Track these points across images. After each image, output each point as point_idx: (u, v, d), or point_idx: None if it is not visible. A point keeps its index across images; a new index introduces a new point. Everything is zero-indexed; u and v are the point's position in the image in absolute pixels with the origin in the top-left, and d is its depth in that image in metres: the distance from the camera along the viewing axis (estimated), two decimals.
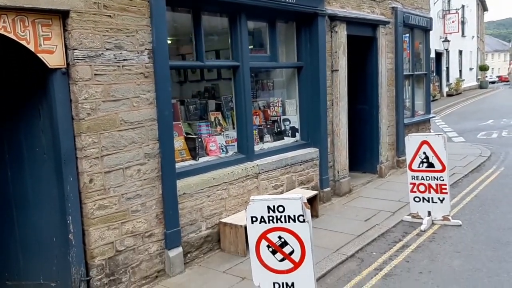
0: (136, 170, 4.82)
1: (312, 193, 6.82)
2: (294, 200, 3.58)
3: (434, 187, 6.41)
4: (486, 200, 7.43)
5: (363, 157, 9.05)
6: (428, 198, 6.47)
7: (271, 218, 3.63)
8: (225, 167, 6.02)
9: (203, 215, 5.62)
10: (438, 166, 6.35)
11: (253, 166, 6.29)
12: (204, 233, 5.64)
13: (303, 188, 7.12)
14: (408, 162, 6.56)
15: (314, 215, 6.71)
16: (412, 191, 6.58)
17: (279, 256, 3.69)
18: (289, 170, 6.89)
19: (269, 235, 3.67)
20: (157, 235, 5.07)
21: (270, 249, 3.69)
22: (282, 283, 3.73)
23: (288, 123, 7.51)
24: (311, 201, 6.67)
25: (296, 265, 3.68)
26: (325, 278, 4.95)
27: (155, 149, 4.99)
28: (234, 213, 5.99)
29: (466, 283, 4.65)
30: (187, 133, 6.10)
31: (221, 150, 6.28)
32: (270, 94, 7.59)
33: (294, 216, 3.60)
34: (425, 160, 6.42)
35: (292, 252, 3.67)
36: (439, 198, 6.41)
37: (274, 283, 3.75)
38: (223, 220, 5.78)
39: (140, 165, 4.86)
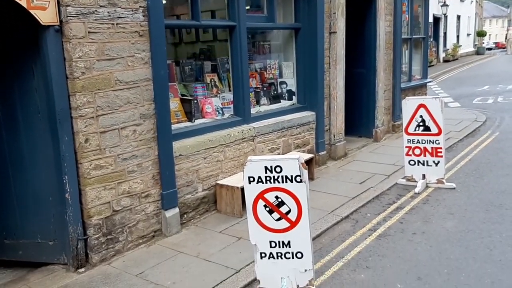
0: (132, 130, 4.78)
1: (308, 156, 6.84)
2: (292, 160, 3.58)
3: (430, 150, 6.43)
4: (480, 164, 7.48)
5: (359, 121, 9.05)
6: (423, 161, 6.51)
7: (268, 178, 3.64)
8: (222, 130, 6.00)
9: (199, 177, 5.63)
10: (434, 130, 6.35)
11: (249, 129, 6.26)
12: (200, 195, 5.67)
13: (299, 151, 7.13)
14: (404, 125, 6.56)
15: (310, 178, 6.75)
16: (407, 154, 6.61)
17: (276, 215, 3.72)
18: (286, 133, 6.88)
19: (266, 195, 3.68)
20: (154, 195, 5.09)
21: (267, 209, 3.71)
22: (279, 242, 3.78)
23: (285, 86, 7.45)
24: (307, 164, 6.67)
25: (293, 224, 3.72)
26: (320, 238, 5.02)
27: (150, 109, 4.94)
28: (230, 175, 6.01)
29: (459, 243, 4.73)
30: (182, 95, 6.04)
31: (217, 113, 6.24)
32: (266, 57, 7.49)
33: (292, 176, 3.61)
34: (421, 124, 6.42)
35: (289, 211, 3.70)
36: (434, 162, 6.45)
37: (270, 242, 3.79)
38: (219, 182, 5.80)
39: (136, 126, 4.82)
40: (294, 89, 7.47)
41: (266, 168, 3.62)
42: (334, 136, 7.88)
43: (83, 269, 4.53)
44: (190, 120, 5.87)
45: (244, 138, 6.19)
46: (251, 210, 3.73)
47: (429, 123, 6.35)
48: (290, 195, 3.66)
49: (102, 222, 4.61)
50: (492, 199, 5.89)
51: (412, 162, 6.60)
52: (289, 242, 3.77)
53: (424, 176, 6.52)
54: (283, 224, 3.73)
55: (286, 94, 7.46)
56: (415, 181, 6.57)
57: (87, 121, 4.37)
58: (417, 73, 11.19)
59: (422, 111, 6.37)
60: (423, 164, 6.52)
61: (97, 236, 4.57)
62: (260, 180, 3.65)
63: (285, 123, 6.85)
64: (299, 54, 7.34)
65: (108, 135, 4.56)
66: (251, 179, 3.66)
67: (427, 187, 6.48)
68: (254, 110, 6.66)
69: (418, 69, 11.24)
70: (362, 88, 8.99)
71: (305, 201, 3.66)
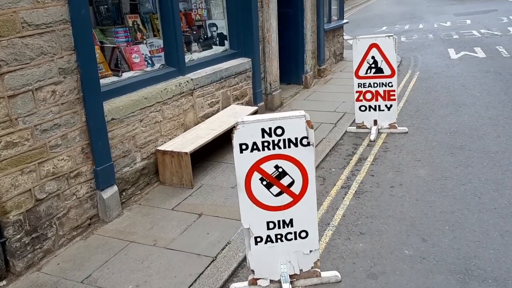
0: (50, 91, 3.56)
1: (252, 109, 6.02)
2: (297, 119, 2.76)
3: (382, 94, 5.98)
4: (418, 104, 7.29)
5: (288, 66, 8.33)
6: (375, 106, 6.06)
7: (266, 144, 2.79)
8: (156, 84, 4.92)
9: (136, 144, 4.57)
10: (387, 71, 5.88)
11: (187, 81, 5.24)
12: (139, 166, 4.63)
13: (238, 104, 6.28)
14: (354, 68, 6.00)
15: None
16: (358, 99, 6.10)
17: (275, 189, 2.92)
18: (224, 85, 5.96)
19: (263, 166, 2.85)
20: (85, 174, 3.96)
21: (264, 182, 2.89)
22: (278, 221, 3.01)
23: (215, 29, 6.43)
24: None
25: (296, 198, 2.96)
26: None
27: (71, 61, 3.71)
28: (171, 139, 5.01)
29: (443, 193, 4.35)
30: (101, 42, 4.79)
31: (146, 63, 5.10)
32: None
33: (296, 139, 2.81)
34: (373, 66, 5.90)
35: (292, 183, 2.92)
36: (386, 106, 6.03)
37: (268, 223, 3.00)
38: (160, 148, 4.78)
39: (55, 85, 3.59)
40: (225, 32, 6.48)
41: (263, 131, 2.77)
42: (270, 84, 7.12)
43: (4, 282, 3.37)
44: (116, 73, 4.69)
45: (183, 92, 5.17)
46: (243, 186, 2.88)
47: (382, 64, 5.86)
48: (293, 163, 2.87)
49: (24, 217, 3.42)
50: (450, 141, 5.65)
51: (363, 108, 6.11)
52: (291, 221, 3.02)
53: (375, 122, 6.10)
54: (284, 199, 2.95)
55: (217, 39, 6.45)
56: (367, 128, 6.14)
57: None
58: (334, 14, 10.72)
59: (374, 52, 5.84)
60: (375, 109, 6.07)
61: (18, 236, 3.39)
62: (255, 147, 2.79)
63: (223, 73, 5.90)
64: None
65: (20, 100, 3.30)
66: (244, 146, 2.79)
67: (379, 133, 6.08)
68: (186, 58, 5.59)
69: (335, 9, 10.76)
70: (290, 30, 8.24)
71: (312, 169, 2.91)
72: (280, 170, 2.87)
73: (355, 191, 4.55)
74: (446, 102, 7.25)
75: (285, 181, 2.90)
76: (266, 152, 2.82)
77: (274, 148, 2.81)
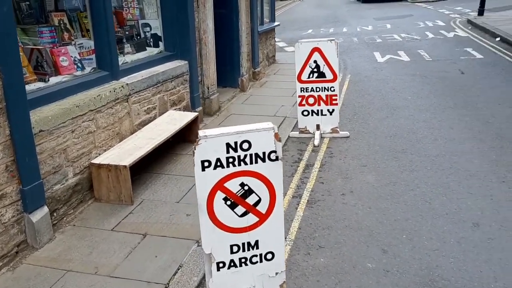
0: None
1: (192, 115, 5.68)
2: (265, 131, 2.52)
3: (324, 98, 5.91)
4: (355, 108, 7.34)
5: (223, 69, 8.03)
6: (317, 111, 5.98)
7: (231, 159, 2.52)
8: (88, 89, 4.45)
9: (68, 158, 4.08)
10: (329, 76, 5.82)
11: (122, 86, 4.80)
12: (72, 182, 4.14)
13: (176, 109, 5.92)
14: (297, 72, 5.87)
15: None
16: (300, 104, 5.99)
17: (240, 210, 2.65)
18: (161, 89, 5.57)
19: (227, 184, 2.57)
20: (11, 195, 3.44)
21: (228, 202, 2.61)
22: (243, 244, 2.74)
23: (148, 29, 6.00)
24: (190, 127, 5.58)
25: (263, 218, 2.71)
26: None
27: None
28: (106, 150, 4.56)
29: (394, 200, 4.32)
30: (24, 43, 4.23)
31: (75, 66, 4.59)
32: None
33: (264, 153, 2.56)
34: (315, 70, 5.81)
35: (258, 202, 2.67)
36: (328, 110, 5.97)
37: (231, 246, 2.73)
38: (95, 161, 4.31)
39: None
40: (160, 33, 6.08)
41: (228, 145, 2.49)
42: (208, 88, 6.81)
43: None
44: (42, 79, 4.16)
45: (117, 98, 4.73)
46: (204, 208, 2.58)
47: (324, 68, 5.78)
48: (261, 180, 2.62)
49: None
50: (391, 145, 5.69)
51: (305, 113, 6.01)
52: (256, 242, 2.77)
53: (318, 127, 6.02)
54: (250, 219, 2.70)
55: (151, 40, 6.03)
56: (309, 133, 6.05)
57: None
58: (265, 16, 10.61)
59: (316, 56, 5.74)
60: (317, 114, 5.99)
61: None
62: (219, 163, 2.51)
63: (159, 76, 5.51)
64: None
65: None
66: (206, 163, 2.49)
67: (321, 137, 6.00)
68: (119, 61, 5.13)
69: (266, 11, 10.66)
70: (225, 32, 7.96)
71: (279, 185, 2.68)
72: (246, 188, 2.61)
73: (308, 200, 4.40)
74: (381, 106, 7.37)
75: (251, 199, 2.65)
76: (231, 169, 2.54)
77: (240, 164, 2.54)
